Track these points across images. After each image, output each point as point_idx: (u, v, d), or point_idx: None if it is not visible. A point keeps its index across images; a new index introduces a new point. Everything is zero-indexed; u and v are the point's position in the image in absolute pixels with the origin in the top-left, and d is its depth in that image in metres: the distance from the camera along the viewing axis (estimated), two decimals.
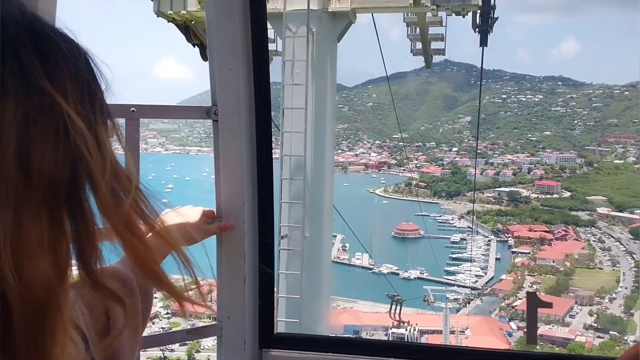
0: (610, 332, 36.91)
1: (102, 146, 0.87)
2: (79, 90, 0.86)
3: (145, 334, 1.58)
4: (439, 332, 33.95)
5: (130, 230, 0.91)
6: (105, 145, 0.89)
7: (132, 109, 2.01)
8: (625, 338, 36.29)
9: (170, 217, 1.73)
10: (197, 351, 34.49)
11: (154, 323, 33.72)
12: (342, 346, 2.43)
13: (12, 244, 0.73)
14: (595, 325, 37.77)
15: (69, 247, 0.84)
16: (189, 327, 2.40)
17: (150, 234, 0.99)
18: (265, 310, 2.33)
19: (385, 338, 39.91)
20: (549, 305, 2.89)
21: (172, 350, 33.66)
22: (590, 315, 38.91)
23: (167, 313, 36.38)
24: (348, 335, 23.14)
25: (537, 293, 43.19)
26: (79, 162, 0.82)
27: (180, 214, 1.90)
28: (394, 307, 25.23)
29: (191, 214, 1.98)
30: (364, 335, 39.48)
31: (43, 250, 0.78)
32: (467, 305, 34.33)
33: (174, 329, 2.88)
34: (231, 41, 2.13)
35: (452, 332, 33.99)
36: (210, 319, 2.27)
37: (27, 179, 0.76)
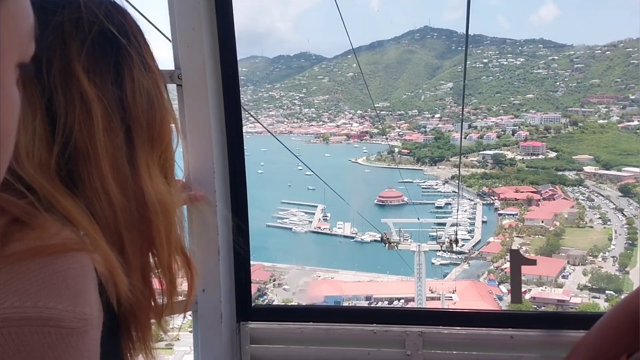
0: (607, 291, 35.65)
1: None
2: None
3: None
4: (432, 298, 32.38)
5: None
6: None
7: None
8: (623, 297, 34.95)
9: None
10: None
11: None
12: (322, 315, 2.36)
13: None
14: (590, 285, 36.58)
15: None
16: None
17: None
18: (241, 282, 2.23)
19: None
20: (532, 262, 2.42)
21: None
22: (584, 274, 37.73)
23: None
24: (327, 304, 21.96)
25: (527, 254, 41.84)
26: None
27: None
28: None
29: None
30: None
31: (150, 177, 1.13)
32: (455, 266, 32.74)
33: None
34: None
35: (437, 299, 32.46)
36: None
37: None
